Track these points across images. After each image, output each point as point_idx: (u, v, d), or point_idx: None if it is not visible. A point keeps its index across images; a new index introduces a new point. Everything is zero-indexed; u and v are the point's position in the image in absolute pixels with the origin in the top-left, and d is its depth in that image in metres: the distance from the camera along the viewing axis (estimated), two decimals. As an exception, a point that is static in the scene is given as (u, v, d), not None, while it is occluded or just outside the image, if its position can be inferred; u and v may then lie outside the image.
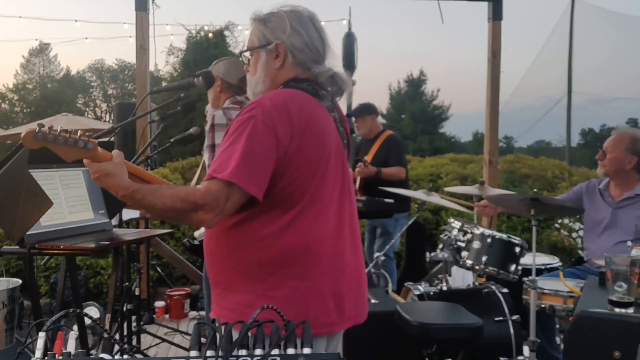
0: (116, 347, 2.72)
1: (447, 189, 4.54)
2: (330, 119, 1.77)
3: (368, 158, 4.83)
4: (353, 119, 5.11)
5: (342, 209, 1.76)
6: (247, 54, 1.81)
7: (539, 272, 3.50)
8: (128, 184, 1.59)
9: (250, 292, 1.65)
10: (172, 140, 3.35)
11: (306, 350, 1.17)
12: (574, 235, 5.87)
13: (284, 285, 1.64)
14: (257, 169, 1.56)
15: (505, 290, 3.42)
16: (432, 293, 3.41)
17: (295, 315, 1.51)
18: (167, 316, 4.94)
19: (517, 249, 3.32)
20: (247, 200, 1.59)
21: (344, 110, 1.92)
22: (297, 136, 1.61)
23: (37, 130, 1.49)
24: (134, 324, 3.59)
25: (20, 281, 3.06)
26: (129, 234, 2.75)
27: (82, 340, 2.66)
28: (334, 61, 1.80)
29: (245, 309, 1.61)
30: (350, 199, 1.82)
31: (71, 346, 1.18)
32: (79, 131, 1.55)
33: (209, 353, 1.12)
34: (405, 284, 3.63)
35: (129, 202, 1.65)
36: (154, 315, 4.83)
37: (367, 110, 5.06)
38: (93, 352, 3.02)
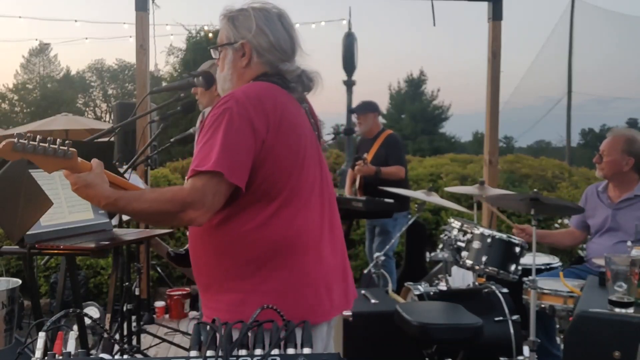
0: (116, 347, 2.73)
1: (447, 189, 4.54)
2: (301, 110, 1.79)
3: (368, 157, 4.83)
4: (355, 115, 5.11)
5: (322, 200, 1.77)
6: (218, 49, 1.83)
7: (539, 272, 3.50)
8: (110, 192, 1.56)
9: (241, 290, 1.64)
10: (172, 140, 3.35)
11: (306, 350, 1.17)
12: (574, 235, 5.85)
13: (273, 278, 1.64)
14: (237, 158, 1.56)
15: (505, 290, 3.42)
16: (432, 293, 3.41)
17: (291, 307, 1.55)
18: (167, 316, 4.94)
19: (517, 249, 3.32)
20: (230, 193, 1.59)
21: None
22: (274, 126, 1.62)
23: (15, 141, 1.42)
24: (134, 324, 3.59)
25: (20, 281, 3.05)
26: (129, 234, 2.75)
27: (82, 340, 2.67)
28: (303, 59, 1.82)
29: (239, 308, 1.62)
30: (329, 189, 1.83)
31: (71, 346, 1.19)
32: (58, 140, 1.48)
33: (209, 353, 1.12)
34: (405, 284, 3.63)
35: (113, 211, 1.62)
36: (154, 315, 4.83)
37: (370, 107, 5.06)
38: (93, 352, 3.02)
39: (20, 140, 1.42)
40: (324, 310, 1.70)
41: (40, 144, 1.45)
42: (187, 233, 1.84)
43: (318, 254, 1.71)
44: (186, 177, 1.59)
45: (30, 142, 1.44)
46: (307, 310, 1.65)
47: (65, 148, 1.49)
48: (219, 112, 1.60)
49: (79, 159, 1.55)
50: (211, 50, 1.87)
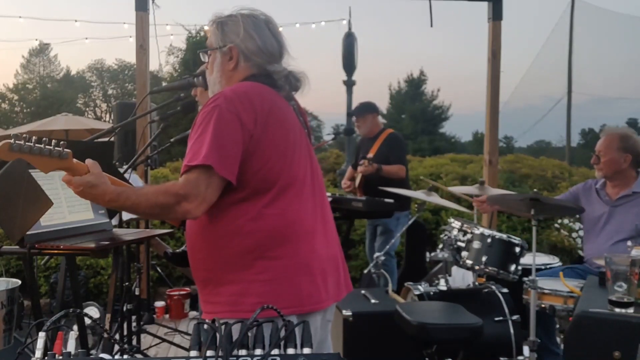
0: (116, 347, 2.73)
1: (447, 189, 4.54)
2: (289, 108, 1.87)
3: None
4: (354, 118, 5.10)
5: (314, 192, 1.85)
6: (207, 52, 1.91)
7: (539, 272, 3.50)
8: (113, 188, 1.64)
9: (242, 280, 1.69)
10: (172, 140, 3.34)
11: (306, 350, 1.17)
12: (574, 235, 5.87)
13: (272, 267, 1.69)
14: (227, 153, 1.63)
15: (505, 290, 3.42)
16: (432, 293, 3.41)
17: (289, 295, 1.67)
18: (167, 316, 4.93)
19: (517, 249, 3.32)
20: (224, 186, 1.65)
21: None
22: (262, 120, 1.70)
23: (12, 141, 1.48)
24: (134, 324, 3.59)
25: (19, 281, 3.05)
26: (129, 234, 2.75)
27: (82, 340, 2.67)
28: (290, 61, 1.91)
29: (239, 298, 1.67)
30: (320, 183, 1.91)
31: (71, 346, 1.18)
32: (53, 140, 1.53)
33: (209, 353, 1.12)
34: (405, 284, 3.63)
35: (115, 206, 1.70)
36: (154, 315, 4.83)
37: (368, 109, 5.05)
38: (93, 352, 3.02)
39: (17, 141, 1.47)
40: (320, 298, 1.75)
41: (36, 144, 1.51)
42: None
43: (312, 244, 1.77)
44: (180, 174, 1.67)
45: (27, 143, 1.49)
46: (304, 298, 1.70)
47: (61, 149, 1.54)
48: (208, 109, 1.68)
49: (74, 160, 1.59)
50: (200, 54, 1.94)
